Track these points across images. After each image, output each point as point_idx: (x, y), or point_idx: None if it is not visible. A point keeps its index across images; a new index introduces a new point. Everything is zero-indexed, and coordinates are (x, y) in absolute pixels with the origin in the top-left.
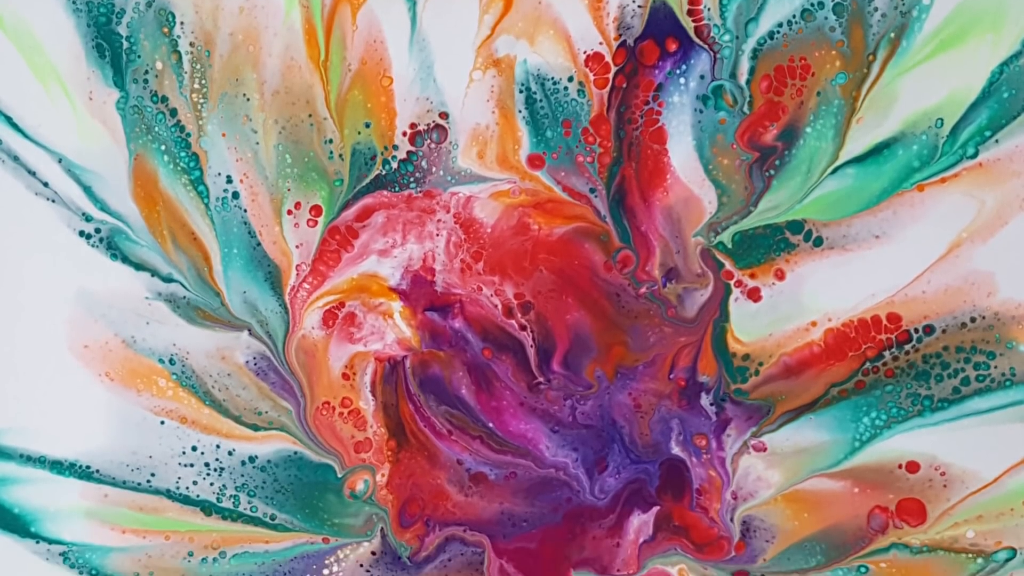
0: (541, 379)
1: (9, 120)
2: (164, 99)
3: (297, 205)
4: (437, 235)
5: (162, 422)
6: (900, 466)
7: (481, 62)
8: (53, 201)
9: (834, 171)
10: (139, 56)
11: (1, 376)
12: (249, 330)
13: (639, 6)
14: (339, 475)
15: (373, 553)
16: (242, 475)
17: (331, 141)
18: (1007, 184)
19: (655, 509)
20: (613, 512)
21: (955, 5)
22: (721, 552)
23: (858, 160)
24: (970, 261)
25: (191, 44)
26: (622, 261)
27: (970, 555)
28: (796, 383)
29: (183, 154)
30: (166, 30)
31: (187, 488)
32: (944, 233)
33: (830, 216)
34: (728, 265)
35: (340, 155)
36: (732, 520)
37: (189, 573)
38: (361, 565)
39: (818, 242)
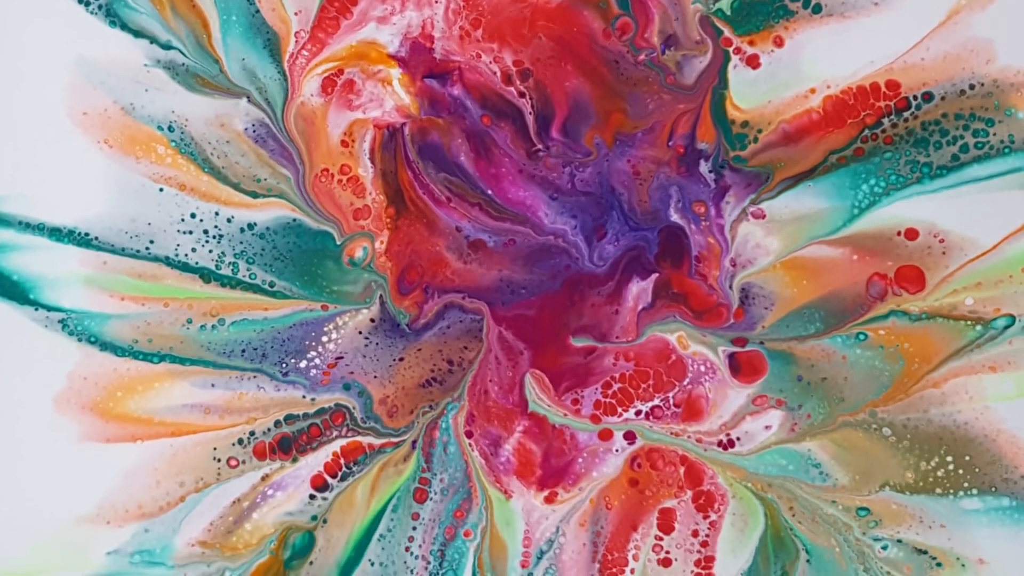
0: (540, 146)
1: None
2: None
3: None
4: (436, 2)
5: (161, 189)
6: (899, 233)
7: None
8: None
9: None
10: None
11: (0, 143)
12: (248, 97)
13: None
14: (338, 242)
15: (372, 320)
16: (241, 242)
17: None
18: None
19: (654, 276)
20: (612, 279)
21: None
22: (720, 319)
23: None
24: (969, 28)
25: None
26: (621, 28)
27: (969, 322)
28: (795, 150)
29: None
30: None
31: (186, 255)
32: (943, 0)
33: None
34: (727, 32)
35: None
36: (731, 287)
37: (188, 340)
38: (360, 332)
39: (817, 9)
